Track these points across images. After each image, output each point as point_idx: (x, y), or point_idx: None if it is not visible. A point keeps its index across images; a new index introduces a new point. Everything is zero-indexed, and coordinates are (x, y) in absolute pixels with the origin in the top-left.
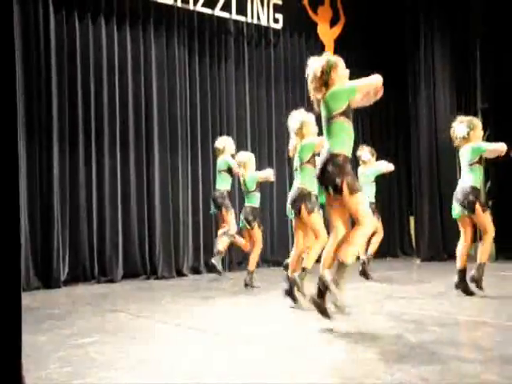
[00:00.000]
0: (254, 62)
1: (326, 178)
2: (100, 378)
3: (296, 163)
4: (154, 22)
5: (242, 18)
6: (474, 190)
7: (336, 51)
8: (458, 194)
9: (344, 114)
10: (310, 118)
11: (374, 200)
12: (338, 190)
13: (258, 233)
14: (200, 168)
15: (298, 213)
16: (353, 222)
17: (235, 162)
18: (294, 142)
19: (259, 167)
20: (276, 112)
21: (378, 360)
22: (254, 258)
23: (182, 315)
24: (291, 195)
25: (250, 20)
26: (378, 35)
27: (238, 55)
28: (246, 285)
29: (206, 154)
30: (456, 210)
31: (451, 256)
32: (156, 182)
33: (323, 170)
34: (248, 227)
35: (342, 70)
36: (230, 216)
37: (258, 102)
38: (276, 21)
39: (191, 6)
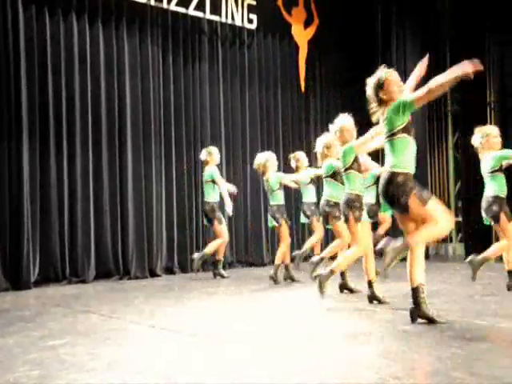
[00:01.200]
0: (228, 62)
1: (390, 199)
2: (71, 380)
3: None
4: (127, 20)
5: (216, 18)
6: (497, 199)
7: (310, 52)
8: (483, 203)
9: (405, 129)
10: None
11: (374, 201)
12: (405, 210)
13: (285, 229)
14: (174, 168)
15: (346, 219)
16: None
17: (219, 176)
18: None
19: (234, 168)
20: (250, 112)
21: (359, 360)
22: (281, 252)
23: (155, 316)
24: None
25: (224, 20)
26: (351, 36)
27: (212, 55)
28: (271, 278)
29: (179, 153)
30: (484, 219)
31: (427, 256)
32: (129, 182)
33: (386, 190)
34: (276, 225)
35: (394, 84)
36: (222, 226)
37: (232, 102)
38: (250, 21)
39: (165, 5)
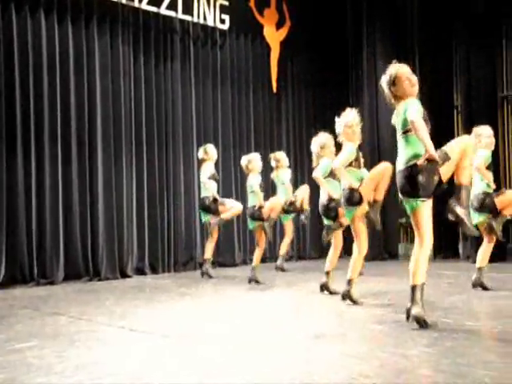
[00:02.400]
0: (201, 62)
1: (414, 190)
2: (38, 383)
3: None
4: (98, 18)
5: (188, 18)
6: (487, 194)
7: (282, 53)
8: (474, 201)
9: None
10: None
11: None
12: (440, 186)
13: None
14: (145, 168)
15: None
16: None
17: (213, 173)
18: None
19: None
20: (222, 112)
21: (324, 359)
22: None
23: (126, 317)
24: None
25: (196, 20)
26: (323, 37)
27: (183, 55)
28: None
29: (151, 153)
30: (475, 218)
31: (392, 256)
32: (99, 182)
33: (411, 183)
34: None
35: (404, 79)
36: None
37: (204, 102)
38: (222, 21)
39: (136, 4)
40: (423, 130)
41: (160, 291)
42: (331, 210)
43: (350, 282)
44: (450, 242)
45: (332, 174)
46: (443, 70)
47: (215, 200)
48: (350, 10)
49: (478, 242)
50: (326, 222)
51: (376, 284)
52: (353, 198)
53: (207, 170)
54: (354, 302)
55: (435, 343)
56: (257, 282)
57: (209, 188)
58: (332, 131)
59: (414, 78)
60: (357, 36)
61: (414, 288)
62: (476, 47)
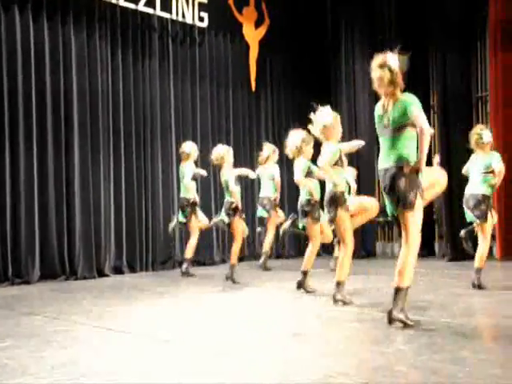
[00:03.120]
0: (179, 60)
1: (398, 194)
2: None
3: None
4: (74, 14)
5: (166, 15)
6: (486, 198)
7: (260, 52)
8: (471, 200)
9: (412, 124)
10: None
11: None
12: (411, 205)
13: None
14: (123, 166)
15: (334, 217)
16: None
17: (192, 172)
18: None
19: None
20: (201, 109)
21: (302, 357)
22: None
23: (102, 316)
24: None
25: (174, 17)
26: (301, 37)
27: (162, 52)
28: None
29: (128, 151)
30: (469, 217)
31: (369, 254)
32: (76, 180)
33: (393, 184)
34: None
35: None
36: (197, 224)
37: (182, 99)
38: (201, 19)
39: (114, 0)
40: (428, 140)
41: (138, 290)
42: (304, 212)
43: (338, 284)
44: (425, 240)
45: (310, 174)
46: (420, 71)
47: (194, 203)
48: (329, 10)
49: (454, 241)
50: (301, 221)
51: (353, 282)
52: (336, 199)
53: (190, 170)
54: (345, 303)
55: (411, 340)
56: (233, 280)
57: (191, 190)
58: (309, 132)
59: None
60: (335, 37)
61: (398, 290)
62: (451, 49)
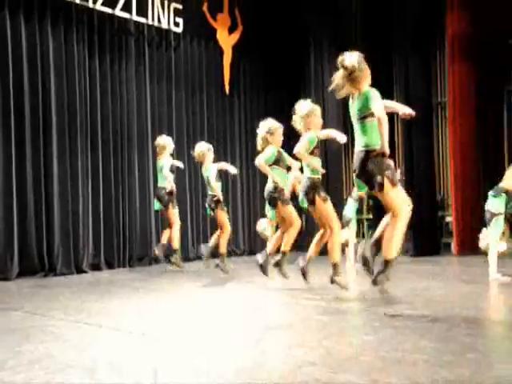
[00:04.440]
0: (155, 63)
1: (367, 176)
2: None
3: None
4: (52, 17)
5: (142, 20)
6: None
7: (234, 56)
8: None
9: (373, 114)
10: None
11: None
12: (380, 187)
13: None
14: (100, 165)
15: (312, 202)
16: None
17: (169, 164)
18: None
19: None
20: (176, 111)
21: (274, 349)
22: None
23: (80, 311)
24: (303, 185)
25: (150, 22)
26: (273, 43)
27: (138, 56)
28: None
29: (106, 151)
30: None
31: (343, 251)
32: (54, 178)
33: (363, 166)
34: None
35: (367, 69)
36: (175, 212)
37: (158, 102)
38: (176, 24)
39: (90, 4)
40: (386, 126)
41: (115, 286)
42: (274, 199)
43: (334, 266)
44: None
45: (277, 162)
46: (384, 77)
47: (171, 193)
48: (299, 18)
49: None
50: (268, 209)
51: (321, 277)
52: (314, 185)
53: (167, 161)
54: (342, 287)
55: (376, 331)
56: (221, 269)
57: (169, 180)
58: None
59: (366, 68)
60: (305, 43)
61: (387, 262)
62: (413, 57)
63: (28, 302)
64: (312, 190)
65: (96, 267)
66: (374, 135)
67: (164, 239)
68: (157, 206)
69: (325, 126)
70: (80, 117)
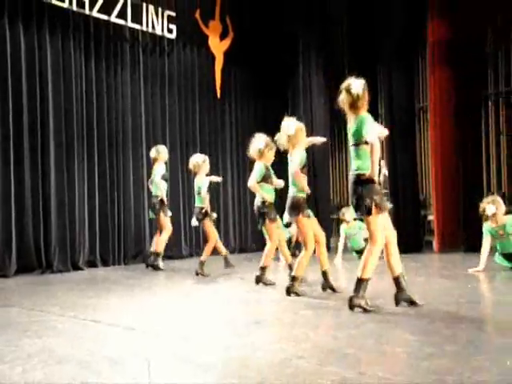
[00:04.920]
0: (149, 69)
1: (356, 199)
2: None
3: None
4: (49, 23)
5: (137, 26)
6: None
7: (225, 63)
8: None
9: (366, 141)
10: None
11: None
12: (368, 211)
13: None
14: (96, 166)
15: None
16: None
17: (161, 173)
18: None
19: (151, 167)
20: (170, 116)
21: (263, 342)
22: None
23: (76, 307)
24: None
25: (145, 28)
26: (263, 50)
27: (133, 61)
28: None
29: (102, 153)
30: None
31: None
32: (51, 178)
33: (354, 189)
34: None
35: (367, 96)
36: (166, 220)
37: (152, 107)
38: (170, 31)
39: (87, 11)
40: (377, 154)
41: (111, 283)
42: (262, 214)
43: (294, 278)
44: None
45: (265, 179)
46: (369, 83)
47: (162, 201)
48: (289, 25)
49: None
50: (258, 223)
51: (308, 274)
52: (298, 204)
53: (160, 170)
54: (334, 290)
55: (361, 326)
56: (202, 274)
57: (160, 188)
58: (272, 133)
59: (366, 95)
60: (294, 52)
61: (360, 281)
62: (396, 64)
63: (26, 299)
64: (296, 208)
65: (92, 264)
66: (366, 160)
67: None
68: (150, 214)
69: (312, 134)
70: (76, 121)
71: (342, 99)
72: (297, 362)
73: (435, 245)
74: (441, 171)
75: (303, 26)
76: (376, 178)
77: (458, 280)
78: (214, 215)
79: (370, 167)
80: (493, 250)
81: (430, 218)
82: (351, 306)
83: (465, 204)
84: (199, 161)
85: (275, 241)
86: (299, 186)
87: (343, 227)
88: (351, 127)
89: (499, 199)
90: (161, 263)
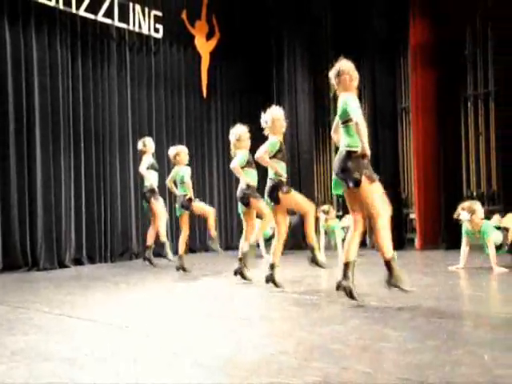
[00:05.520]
0: (136, 67)
1: (345, 173)
2: None
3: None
4: (36, 21)
5: (124, 26)
6: None
7: (211, 62)
8: None
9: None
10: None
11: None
12: (356, 183)
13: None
14: (83, 164)
15: (277, 201)
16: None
17: (147, 164)
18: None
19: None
20: (156, 114)
21: (250, 339)
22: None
23: (63, 304)
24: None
25: (131, 28)
26: (249, 49)
27: (120, 59)
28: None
29: (88, 151)
30: None
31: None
32: (38, 176)
33: (344, 164)
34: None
35: (347, 74)
36: (158, 206)
37: (139, 104)
38: (157, 30)
39: (74, 10)
40: (363, 130)
41: (97, 280)
42: (247, 195)
43: (272, 266)
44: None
45: (249, 164)
46: None
47: (152, 190)
48: (274, 24)
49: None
50: (240, 208)
51: (292, 271)
52: (277, 187)
53: (145, 161)
54: (276, 285)
55: (345, 322)
56: (184, 269)
57: (148, 178)
58: (255, 132)
59: (355, 74)
60: (279, 50)
61: (387, 263)
62: (380, 64)
63: (12, 296)
64: (275, 189)
65: (78, 262)
66: (356, 137)
67: (149, 240)
68: (145, 206)
69: (297, 129)
70: (63, 118)
71: (331, 75)
72: (282, 358)
73: (417, 242)
74: (423, 171)
75: (289, 24)
76: (368, 153)
77: (438, 277)
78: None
79: (359, 143)
80: (472, 247)
81: (412, 216)
82: (338, 288)
83: (446, 203)
84: (179, 151)
85: (268, 214)
86: (273, 170)
87: (322, 224)
88: (339, 107)
89: (477, 205)
90: (169, 252)
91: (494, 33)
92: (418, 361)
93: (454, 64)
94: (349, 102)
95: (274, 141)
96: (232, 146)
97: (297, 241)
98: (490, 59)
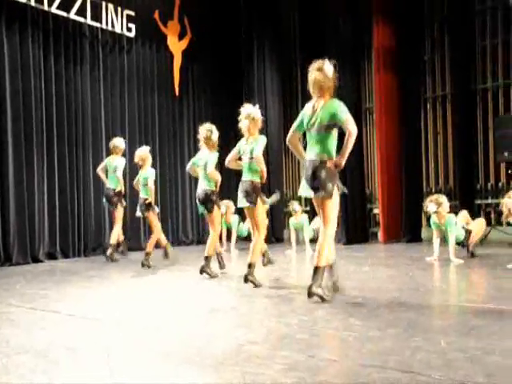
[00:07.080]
0: (109, 66)
1: (317, 182)
2: None
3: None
4: (7, 18)
5: (96, 24)
6: None
7: (183, 61)
8: None
9: (333, 126)
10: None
11: None
12: (330, 194)
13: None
14: (56, 161)
15: (253, 203)
16: None
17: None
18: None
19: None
20: (129, 112)
21: (220, 330)
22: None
23: (36, 298)
24: (242, 188)
25: (104, 26)
26: (220, 49)
27: (93, 58)
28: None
29: (61, 147)
30: None
31: (278, 240)
32: (10, 172)
33: (315, 172)
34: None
35: (336, 79)
36: (120, 212)
37: (112, 103)
38: (129, 29)
39: (46, 7)
40: (353, 141)
41: (71, 274)
42: (211, 202)
43: (250, 265)
44: None
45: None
46: None
47: (119, 193)
48: (244, 26)
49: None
50: (200, 208)
51: (261, 265)
52: (257, 188)
53: (121, 164)
54: (256, 285)
55: (311, 313)
56: (148, 266)
57: (120, 182)
58: (227, 129)
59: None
60: (249, 49)
61: (317, 269)
62: (344, 66)
63: None
64: (255, 192)
65: (52, 257)
66: (329, 145)
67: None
68: (105, 204)
69: (266, 131)
70: (36, 116)
71: (314, 79)
72: (251, 348)
73: (380, 236)
74: (385, 168)
75: (258, 26)
76: (342, 164)
77: (400, 268)
78: (157, 209)
79: (332, 152)
80: (443, 240)
81: (376, 211)
82: (309, 294)
83: (407, 198)
84: (145, 154)
85: (218, 229)
86: (259, 170)
87: (291, 220)
88: (318, 112)
89: (443, 198)
90: (116, 254)
91: (450, 38)
92: (379, 348)
93: (415, 67)
94: (342, 108)
95: (265, 141)
96: (207, 142)
97: (266, 236)
98: (447, 63)
